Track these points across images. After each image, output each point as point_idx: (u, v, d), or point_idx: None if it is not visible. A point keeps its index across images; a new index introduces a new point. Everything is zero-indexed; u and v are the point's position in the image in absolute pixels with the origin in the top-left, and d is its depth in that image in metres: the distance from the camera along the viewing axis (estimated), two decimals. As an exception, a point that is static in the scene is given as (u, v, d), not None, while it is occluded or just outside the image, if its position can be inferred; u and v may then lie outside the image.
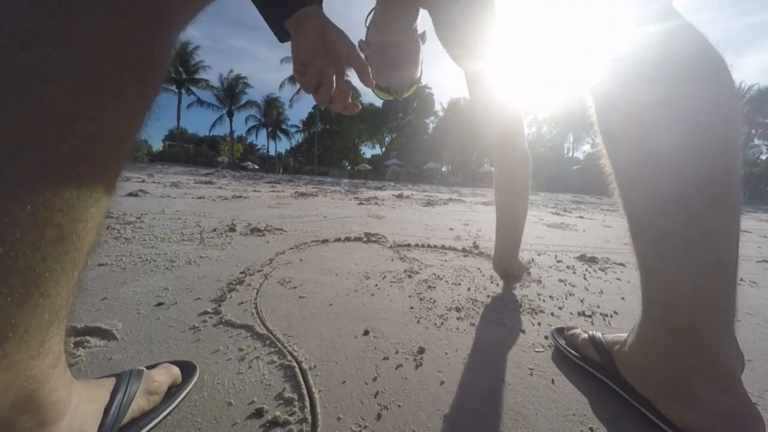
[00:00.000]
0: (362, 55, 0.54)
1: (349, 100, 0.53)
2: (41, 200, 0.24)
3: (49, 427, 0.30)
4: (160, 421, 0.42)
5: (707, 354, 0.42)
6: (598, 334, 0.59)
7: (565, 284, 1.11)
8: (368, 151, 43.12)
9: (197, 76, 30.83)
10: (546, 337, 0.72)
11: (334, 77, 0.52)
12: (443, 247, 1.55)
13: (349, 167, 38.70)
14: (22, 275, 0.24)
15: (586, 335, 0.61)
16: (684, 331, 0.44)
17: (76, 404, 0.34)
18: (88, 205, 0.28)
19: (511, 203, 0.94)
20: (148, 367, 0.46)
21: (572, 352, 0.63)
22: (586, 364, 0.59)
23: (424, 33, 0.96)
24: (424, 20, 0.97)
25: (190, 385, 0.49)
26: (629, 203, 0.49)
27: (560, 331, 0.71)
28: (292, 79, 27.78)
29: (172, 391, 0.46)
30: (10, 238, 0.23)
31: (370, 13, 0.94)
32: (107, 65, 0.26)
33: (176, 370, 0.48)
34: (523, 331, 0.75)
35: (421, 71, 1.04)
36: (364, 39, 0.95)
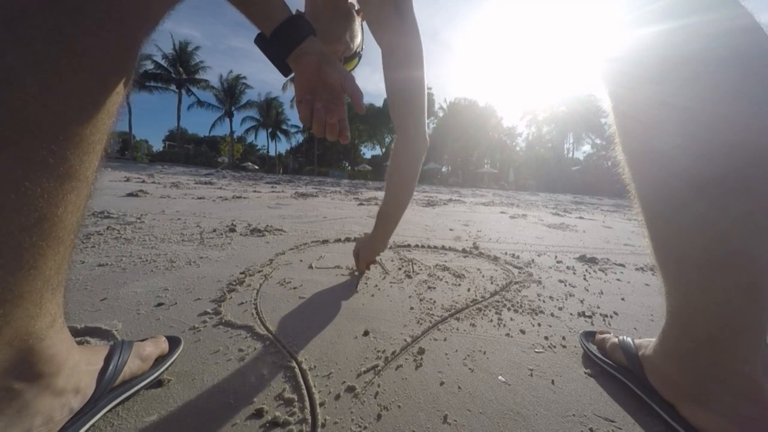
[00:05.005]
0: (356, 83, 0.57)
1: (346, 133, 0.60)
2: (22, 189, 0.29)
3: (47, 378, 0.35)
4: (146, 384, 0.49)
5: (727, 364, 0.42)
6: (628, 339, 0.59)
7: (565, 285, 1.11)
8: (368, 151, 43.17)
9: (197, 76, 30.86)
10: (546, 338, 0.72)
11: (328, 107, 0.57)
12: (443, 247, 1.55)
13: (349, 168, 38.70)
14: (12, 250, 0.30)
15: (616, 339, 0.60)
16: (704, 342, 0.43)
17: (76, 362, 0.39)
18: (66, 191, 0.32)
19: (400, 184, 0.96)
20: (141, 340, 0.53)
21: (599, 356, 0.62)
22: (613, 368, 0.58)
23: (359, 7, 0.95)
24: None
25: (175, 356, 0.55)
26: (641, 204, 0.48)
27: (588, 335, 0.70)
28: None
29: (159, 360, 0.53)
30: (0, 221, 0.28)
31: None
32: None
33: (164, 343, 0.56)
34: (523, 332, 0.75)
35: (360, 45, 1.03)
36: (302, 10, 0.94)
